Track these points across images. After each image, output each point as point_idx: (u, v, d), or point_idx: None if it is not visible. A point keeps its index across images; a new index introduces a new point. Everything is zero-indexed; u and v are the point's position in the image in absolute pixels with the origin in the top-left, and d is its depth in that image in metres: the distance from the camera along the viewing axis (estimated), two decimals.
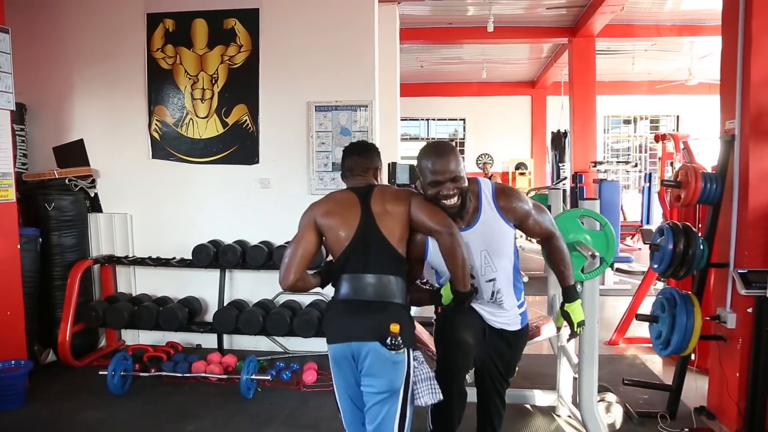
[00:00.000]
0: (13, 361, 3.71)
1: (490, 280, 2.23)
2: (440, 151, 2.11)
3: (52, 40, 4.70)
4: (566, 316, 2.32)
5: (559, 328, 2.46)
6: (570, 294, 2.31)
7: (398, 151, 6.89)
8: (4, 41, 3.75)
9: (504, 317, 2.34)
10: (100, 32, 4.67)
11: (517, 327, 2.36)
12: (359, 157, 2.31)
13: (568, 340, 2.45)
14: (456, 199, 2.09)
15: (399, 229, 2.11)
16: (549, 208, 3.39)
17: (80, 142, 4.75)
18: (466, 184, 2.11)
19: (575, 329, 2.33)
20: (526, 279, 4.49)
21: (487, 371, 2.43)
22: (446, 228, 2.03)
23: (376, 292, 2.07)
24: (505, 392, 2.51)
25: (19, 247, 3.92)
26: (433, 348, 3.11)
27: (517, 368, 3.16)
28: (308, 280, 2.18)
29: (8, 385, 3.56)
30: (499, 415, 2.50)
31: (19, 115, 4.50)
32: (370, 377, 2.04)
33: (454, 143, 13.74)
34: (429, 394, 2.09)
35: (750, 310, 2.96)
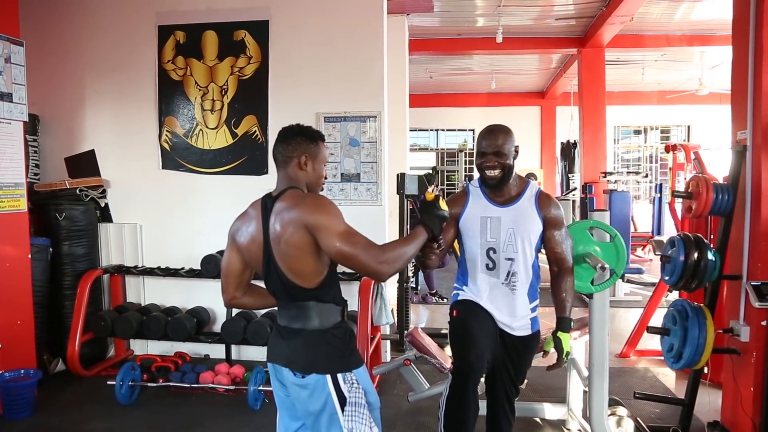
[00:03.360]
0: (22, 370, 3.73)
1: (509, 259, 2.33)
2: (491, 129, 2.37)
3: (65, 52, 4.76)
4: (557, 343, 2.32)
5: (546, 353, 2.43)
6: (565, 324, 2.33)
7: (407, 161, 6.88)
8: (18, 53, 3.80)
9: (515, 318, 2.36)
10: (112, 44, 4.73)
11: (527, 332, 2.40)
12: (279, 143, 1.95)
13: (549, 369, 2.42)
14: (497, 171, 2.31)
15: (295, 261, 1.80)
16: None
17: (91, 152, 4.80)
18: (510, 162, 2.33)
19: (562, 357, 2.32)
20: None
21: (498, 375, 2.46)
22: (344, 240, 1.73)
23: (290, 318, 1.89)
24: (515, 399, 2.51)
25: (30, 256, 3.95)
26: (441, 359, 3.10)
27: (526, 380, 3.14)
28: (244, 300, 2.07)
29: (17, 395, 3.58)
30: (509, 422, 2.51)
31: (31, 125, 4.56)
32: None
33: (462, 154, 13.86)
34: (363, 424, 1.83)
35: (764, 323, 2.92)
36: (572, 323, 2.36)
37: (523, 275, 2.34)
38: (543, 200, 2.36)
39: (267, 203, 1.87)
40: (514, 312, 2.36)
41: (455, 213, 2.44)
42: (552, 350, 2.37)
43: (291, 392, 1.88)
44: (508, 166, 2.32)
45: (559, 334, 2.32)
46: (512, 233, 2.31)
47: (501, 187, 2.36)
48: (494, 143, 2.31)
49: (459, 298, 2.47)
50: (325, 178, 2.05)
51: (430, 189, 1.96)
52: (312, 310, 1.85)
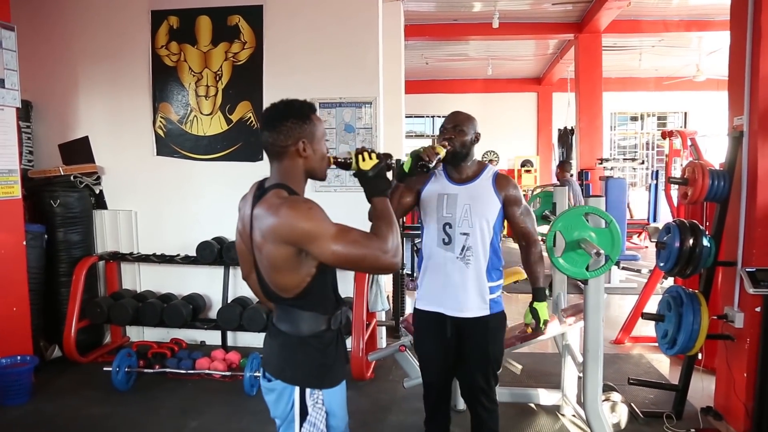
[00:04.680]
0: (18, 357, 3.73)
1: (464, 234, 2.37)
2: (453, 112, 2.50)
3: (58, 38, 4.71)
4: (534, 313, 2.48)
5: (527, 325, 2.56)
6: (540, 294, 2.48)
7: (403, 148, 6.87)
8: (9, 38, 3.75)
9: (470, 295, 2.38)
10: (105, 29, 4.67)
11: (485, 312, 2.39)
12: (269, 132, 1.67)
13: (529, 333, 2.68)
14: (451, 145, 2.36)
15: (273, 273, 1.65)
16: (554, 205, 3.37)
17: (85, 139, 4.76)
18: (468, 139, 2.40)
19: (540, 325, 2.48)
20: None
21: (466, 368, 2.47)
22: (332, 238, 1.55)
23: (277, 317, 1.77)
24: (493, 389, 2.48)
25: (24, 243, 3.93)
26: None
27: (514, 365, 3.15)
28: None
29: (14, 381, 3.59)
30: (487, 410, 2.47)
31: (24, 112, 4.51)
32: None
33: None
34: None
35: (758, 309, 2.93)
36: (547, 291, 2.51)
37: (480, 251, 2.37)
38: (500, 180, 2.45)
39: (255, 198, 1.69)
40: (468, 287, 2.37)
41: (417, 189, 2.52)
42: (531, 320, 2.51)
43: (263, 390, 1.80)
44: (464, 141, 2.41)
45: (535, 304, 2.48)
46: (468, 209, 2.38)
47: (459, 163, 2.43)
48: (454, 120, 2.44)
49: (415, 304, 2.55)
50: (329, 153, 1.79)
51: (343, 153, 1.74)
52: (293, 314, 1.71)
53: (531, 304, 2.49)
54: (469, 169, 2.46)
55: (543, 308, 2.46)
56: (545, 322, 2.47)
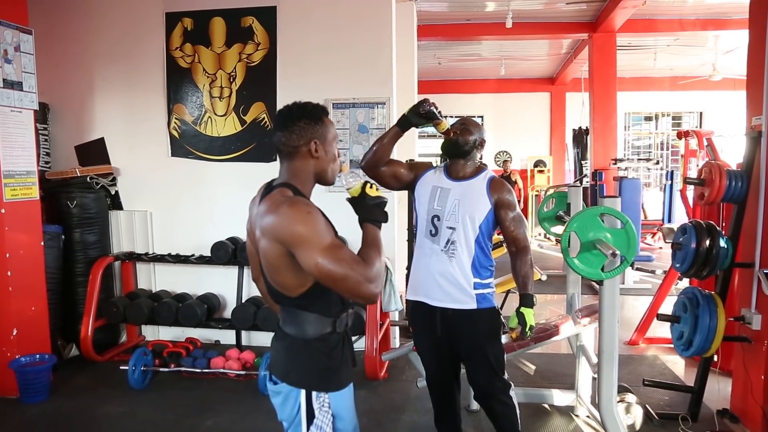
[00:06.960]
0: (37, 356, 3.78)
1: (451, 228, 2.43)
2: (464, 117, 2.66)
3: (74, 41, 4.76)
4: (521, 318, 2.45)
5: (512, 329, 2.53)
6: (527, 300, 2.47)
7: (416, 148, 6.85)
8: (27, 42, 3.81)
9: (454, 287, 2.41)
10: (120, 32, 4.73)
11: (471, 306, 2.42)
12: (281, 132, 1.68)
13: (514, 340, 2.64)
14: (456, 135, 2.47)
15: (273, 271, 1.65)
16: (568, 206, 3.36)
17: (101, 140, 4.82)
18: (471, 138, 2.49)
19: (525, 331, 2.44)
20: (544, 277, 4.45)
21: (468, 370, 2.56)
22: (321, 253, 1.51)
23: (282, 320, 1.78)
24: (501, 390, 2.51)
25: (42, 243, 3.99)
26: None
27: (527, 365, 3.14)
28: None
29: (33, 379, 3.64)
30: (502, 403, 2.51)
31: (42, 114, 4.58)
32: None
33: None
34: None
35: None
36: (534, 298, 2.48)
37: (464, 246, 2.41)
38: (495, 184, 2.48)
39: (262, 197, 1.69)
40: (449, 279, 2.42)
41: (415, 175, 2.59)
42: (517, 325, 2.48)
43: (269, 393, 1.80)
44: (468, 140, 2.49)
45: (522, 309, 2.45)
46: (457, 204, 2.43)
47: (457, 156, 2.50)
48: (463, 121, 2.55)
49: (407, 295, 2.63)
50: (338, 156, 1.80)
51: (352, 182, 1.73)
52: (297, 317, 1.70)
53: (518, 308, 2.47)
54: (467, 168, 2.52)
55: (530, 314, 2.44)
56: (531, 328, 2.45)
